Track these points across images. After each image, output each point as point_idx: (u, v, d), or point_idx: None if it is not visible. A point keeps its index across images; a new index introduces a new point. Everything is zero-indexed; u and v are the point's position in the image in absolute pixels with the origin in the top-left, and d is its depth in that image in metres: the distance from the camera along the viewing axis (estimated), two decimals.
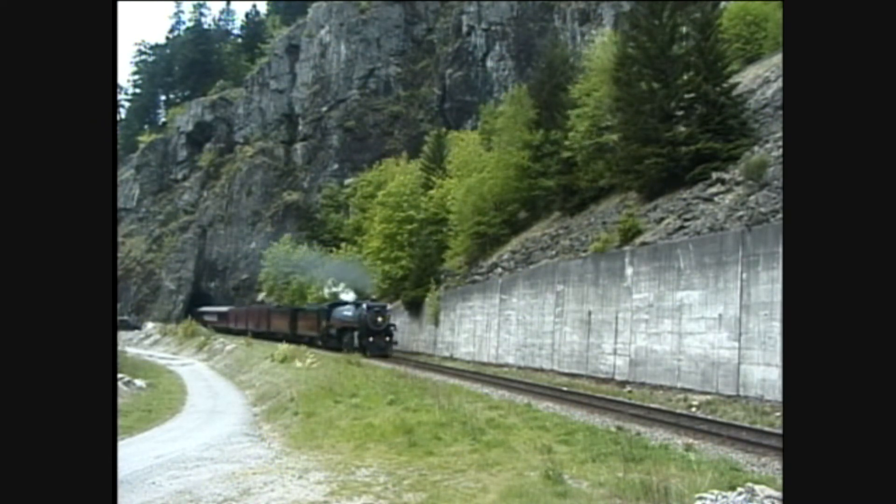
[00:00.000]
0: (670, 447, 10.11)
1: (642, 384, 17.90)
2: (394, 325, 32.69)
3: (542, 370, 22.75)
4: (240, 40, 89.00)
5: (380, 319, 31.32)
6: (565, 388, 18.10)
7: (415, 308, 36.16)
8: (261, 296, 56.04)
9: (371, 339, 30.71)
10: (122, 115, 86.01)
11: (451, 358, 30.07)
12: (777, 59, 26.28)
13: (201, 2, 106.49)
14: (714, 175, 21.70)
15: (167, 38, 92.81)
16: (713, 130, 22.38)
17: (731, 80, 23.91)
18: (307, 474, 8.70)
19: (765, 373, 14.28)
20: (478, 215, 33.02)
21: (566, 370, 21.53)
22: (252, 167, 64.56)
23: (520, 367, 24.12)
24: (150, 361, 32.30)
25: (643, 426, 12.29)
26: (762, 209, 17.87)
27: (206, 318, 55.64)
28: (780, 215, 16.62)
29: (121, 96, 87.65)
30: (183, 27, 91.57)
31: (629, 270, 19.36)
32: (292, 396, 15.81)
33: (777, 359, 13.83)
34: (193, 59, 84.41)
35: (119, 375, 18.14)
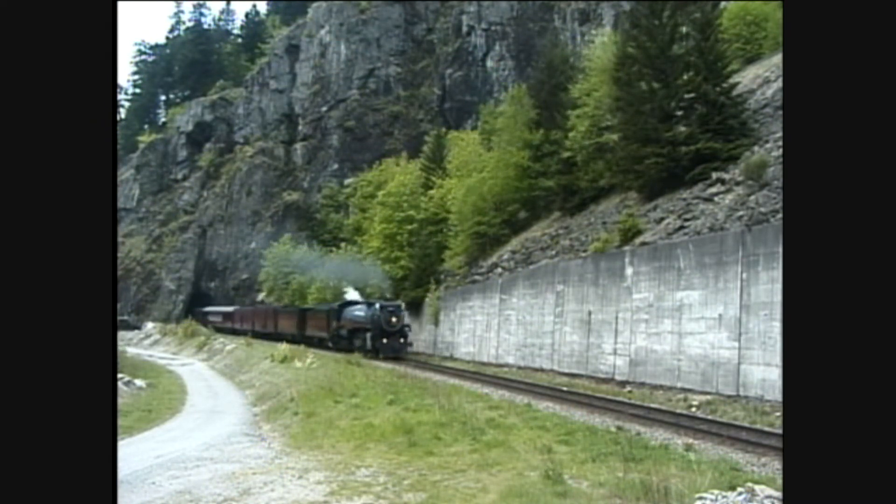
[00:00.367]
0: (670, 447, 10.11)
1: (642, 384, 17.90)
2: (408, 326, 31.27)
3: (542, 370, 22.74)
4: (240, 40, 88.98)
5: (394, 320, 29.69)
6: (565, 388, 18.09)
7: (415, 308, 36.15)
8: (261, 296, 55.95)
9: (385, 340, 29.22)
10: (122, 115, 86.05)
11: (451, 358, 30.07)
12: (777, 59, 26.28)
13: (201, 2, 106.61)
14: (714, 175, 21.70)
15: (167, 38, 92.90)
16: (713, 130, 22.38)
17: (731, 80, 23.90)
18: (307, 474, 8.70)
19: (765, 373, 14.28)
20: (478, 215, 33.01)
21: (566, 370, 21.53)
22: (252, 167, 64.55)
23: (520, 367, 24.12)
24: (150, 361, 32.31)
25: (643, 426, 12.29)
26: (762, 209, 17.87)
27: (211, 318, 54.96)
28: (780, 215, 16.62)
29: (121, 96, 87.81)
30: (183, 27, 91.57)
31: (629, 270, 19.36)
32: (292, 396, 15.81)
33: (777, 359, 13.83)
34: (193, 59, 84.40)
35: (119, 375, 18.15)
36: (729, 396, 14.99)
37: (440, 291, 33.74)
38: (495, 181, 32.88)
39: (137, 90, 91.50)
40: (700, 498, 5.82)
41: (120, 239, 60.95)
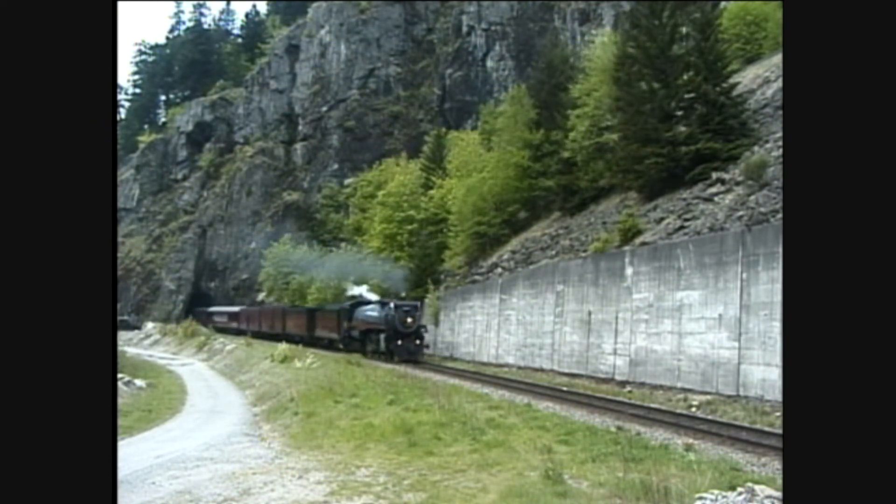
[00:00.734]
0: (670, 447, 10.10)
1: (642, 384, 17.90)
2: (424, 327, 29.32)
3: (542, 370, 22.74)
4: (240, 40, 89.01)
5: (409, 320, 27.93)
6: (565, 388, 18.09)
7: None
8: (261, 296, 55.93)
9: (399, 342, 27.51)
10: (122, 115, 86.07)
11: (451, 358, 30.05)
12: (777, 59, 26.29)
13: (201, 2, 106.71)
14: (714, 175, 21.71)
15: (167, 38, 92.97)
16: (713, 130, 22.40)
17: (731, 80, 23.92)
18: (307, 474, 8.70)
19: (765, 373, 14.28)
20: (478, 215, 33.01)
21: (566, 370, 21.53)
22: (252, 167, 64.56)
23: (520, 367, 24.11)
24: (150, 361, 32.31)
25: (643, 426, 12.28)
26: (762, 209, 17.87)
27: (216, 318, 54.08)
28: (780, 215, 16.62)
29: (121, 96, 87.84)
30: (183, 27, 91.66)
31: (629, 270, 19.36)
32: (292, 396, 15.81)
33: (777, 359, 13.82)
34: (193, 59, 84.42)
35: (119, 375, 18.14)
36: (729, 396, 14.99)
37: (440, 291, 33.73)
38: (495, 181, 32.89)
39: (137, 90, 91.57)
40: (700, 498, 5.82)
41: (120, 239, 60.95)
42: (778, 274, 14.15)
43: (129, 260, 65.04)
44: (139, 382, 21.04)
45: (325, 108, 63.88)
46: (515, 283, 25.94)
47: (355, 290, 35.79)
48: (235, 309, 53.09)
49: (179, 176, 70.92)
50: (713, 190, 21.26)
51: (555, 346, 22.53)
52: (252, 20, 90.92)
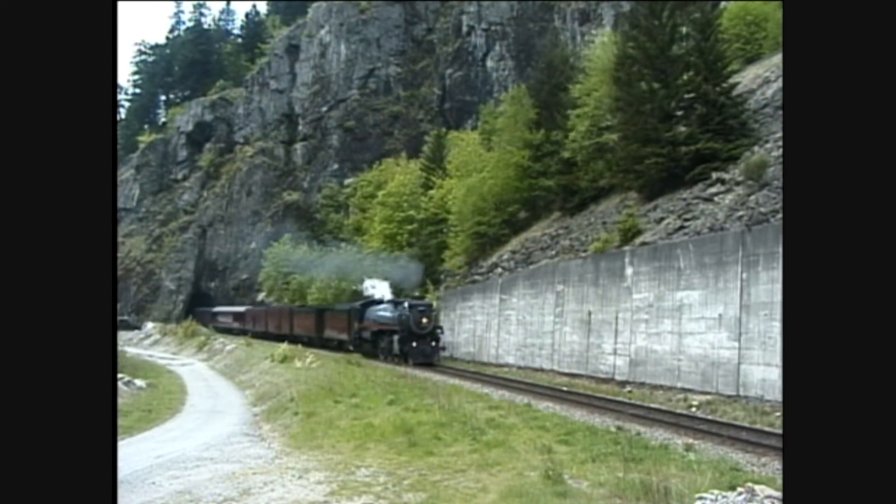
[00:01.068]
0: (670, 447, 10.11)
1: (642, 384, 17.90)
2: (441, 328, 27.63)
3: (542, 370, 22.74)
4: (240, 40, 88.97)
5: (425, 321, 26.19)
6: (565, 388, 18.09)
7: None
8: (261, 296, 55.88)
9: (414, 343, 25.80)
10: (122, 115, 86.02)
11: (451, 358, 30.05)
12: (777, 59, 26.28)
13: (201, 2, 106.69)
14: (714, 175, 21.72)
15: (167, 38, 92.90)
16: (713, 130, 22.40)
17: (731, 80, 23.92)
18: (307, 474, 8.70)
19: (765, 373, 14.28)
20: (478, 215, 33.01)
21: (566, 370, 21.53)
22: (252, 167, 64.55)
23: (520, 367, 24.11)
24: (150, 361, 32.30)
25: (643, 426, 12.28)
26: (762, 209, 17.88)
27: (220, 318, 53.22)
28: (780, 215, 16.62)
29: (121, 96, 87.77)
30: (183, 27, 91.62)
31: (629, 270, 19.36)
32: (292, 396, 15.80)
33: (777, 359, 13.83)
34: (193, 59, 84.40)
35: (119, 375, 18.14)
36: (729, 396, 15.00)
37: (440, 291, 33.70)
38: (495, 181, 32.89)
39: (137, 90, 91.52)
40: (700, 498, 5.82)
41: (120, 239, 60.92)
42: (778, 274, 14.15)
43: (129, 260, 65.03)
44: (139, 382, 21.03)
45: (325, 108, 63.88)
46: (515, 283, 25.94)
47: (369, 288, 33.65)
48: (241, 309, 51.78)
49: (179, 176, 70.91)
50: (713, 190, 21.26)
51: (555, 346, 22.53)
52: (252, 20, 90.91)
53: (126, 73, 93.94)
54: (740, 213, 18.55)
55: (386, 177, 48.51)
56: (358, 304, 32.14)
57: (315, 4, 68.97)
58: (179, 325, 50.75)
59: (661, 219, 22.23)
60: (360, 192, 54.25)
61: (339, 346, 32.42)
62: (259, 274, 55.60)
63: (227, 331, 48.18)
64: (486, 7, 60.04)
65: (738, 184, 20.37)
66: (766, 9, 30.80)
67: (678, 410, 14.34)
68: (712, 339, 15.93)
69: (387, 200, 43.01)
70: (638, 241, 21.42)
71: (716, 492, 5.96)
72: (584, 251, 24.24)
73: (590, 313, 20.84)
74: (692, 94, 22.97)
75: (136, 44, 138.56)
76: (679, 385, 16.67)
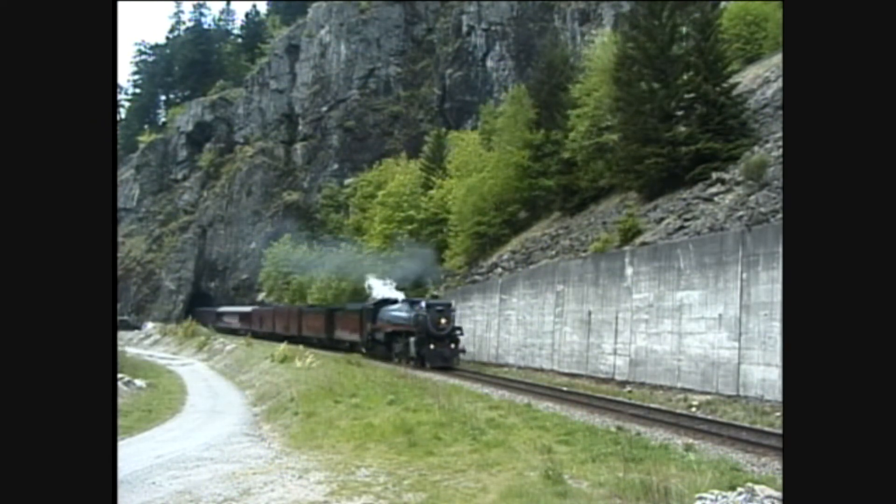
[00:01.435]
0: (670, 447, 10.10)
1: (642, 384, 17.90)
2: (460, 329, 25.62)
3: (542, 370, 22.74)
4: (240, 40, 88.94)
5: (443, 321, 24.47)
6: (565, 388, 18.09)
7: None
8: (261, 296, 55.86)
9: (432, 346, 24.16)
10: (122, 115, 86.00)
11: None
12: (777, 59, 26.29)
13: (201, 2, 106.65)
14: (714, 175, 21.73)
15: (167, 38, 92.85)
16: (713, 130, 22.42)
17: (731, 80, 23.93)
18: (307, 474, 8.70)
19: (765, 373, 14.28)
20: (478, 215, 33.02)
21: (566, 370, 21.53)
22: (252, 167, 64.56)
23: (520, 367, 24.11)
24: (150, 361, 32.29)
25: (643, 426, 12.28)
26: (762, 209, 17.88)
27: (226, 319, 52.20)
28: (780, 215, 16.62)
29: (121, 96, 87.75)
30: (183, 27, 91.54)
31: (629, 270, 19.36)
32: (292, 396, 15.80)
33: (777, 359, 13.83)
34: (193, 59, 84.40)
35: (119, 375, 18.13)
36: (729, 396, 15.00)
37: (440, 291, 33.69)
38: (495, 181, 32.90)
39: (137, 90, 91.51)
40: (700, 498, 5.82)
41: (120, 239, 60.92)
42: (778, 274, 14.15)
43: (129, 260, 65.03)
44: (139, 382, 21.01)
45: (325, 108, 63.88)
46: (515, 283, 25.94)
47: (375, 287, 31.91)
48: (247, 309, 50.02)
49: (179, 176, 70.91)
50: (713, 190, 21.27)
51: (555, 346, 22.53)
52: (252, 20, 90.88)
53: (126, 73, 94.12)
54: (740, 213, 18.56)
55: (386, 177, 48.53)
56: (370, 304, 30.43)
57: (315, 4, 68.97)
58: (179, 325, 50.62)
59: (661, 219, 22.23)
60: (360, 192, 54.26)
61: (350, 349, 31.17)
62: (259, 274, 55.56)
63: (232, 332, 47.05)
64: (486, 7, 60.04)
65: (738, 184, 20.38)
66: (766, 9, 30.82)
67: (678, 410, 14.34)
68: (712, 339, 15.93)
69: (387, 200, 43.02)
70: (638, 241, 21.42)
71: (716, 492, 5.96)
72: (584, 251, 24.25)
73: (590, 313, 20.84)
74: (692, 94, 22.99)
75: (136, 44, 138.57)
76: (679, 385, 16.67)
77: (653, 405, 14.99)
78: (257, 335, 41.14)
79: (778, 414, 12.70)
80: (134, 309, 63.07)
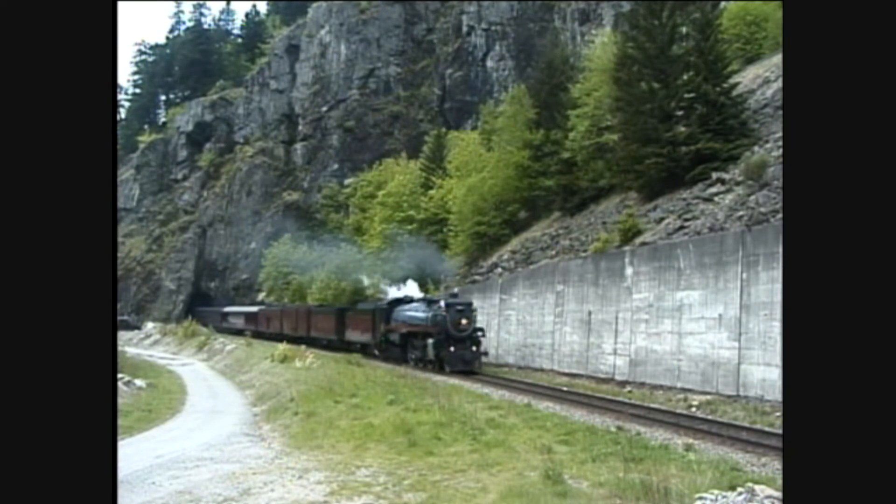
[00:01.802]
0: (670, 447, 10.11)
1: (642, 384, 17.90)
2: (482, 331, 23.87)
3: (542, 370, 22.74)
4: (240, 40, 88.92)
5: (464, 322, 22.72)
6: (565, 388, 18.09)
7: None
8: (261, 296, 55.84)
9: (452, 348, 22.45)
10: (122, 115, 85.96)
11: None
12: (777, 59, 26.28)
13: (201, 2, 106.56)
14: (714, 175, 21.72)
15: (167, 38, 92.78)
16: (713, 130, 22.41)
17: (731, 80, 23.93)
18: (307, 474, 8.70)
19: (765, 373, 14.28)
20: (478, 215, 33.02)
21: (566, 370, 21.53)
22: (252, 167, 64.56)
23: (520, 367, 24.11)
24: (150, 361, 32.28)
25: (643, 426, 12.28)
26: (762, 209, 17.88)
27: (231, 319, 51.22)
28: (780, 215, 16.62)
29: (121, 96, 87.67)
30: (183, 27, 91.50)
31: (629, 270, 19.36)
32: (292, 396, 15.81)
33: (777, 359, 13.83)
34: (193, 59, 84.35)
35: (119, 375, 18.12)
36: (729, 396, 15.00)
37: (440, 291, 33.66)
38: (495, 181, 32.90)
39: (137, 90, 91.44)
40: (700, 498, 5.82)
41: (120, 239, 60.88)
42: (778, 274, 14.15)
43: (129, 260, 65.01)
44: (139, 382, 21.00)
45: (325, 108, 63.87)
46: (515, 283, 25.94)
47: (391, 292, 30.41)
48: (253, 309, 48.30)
49: (179, 176, 70.88)
50: (713, 190, 21.27)
51: (555, 346, 22.53)
52: (252, 20, 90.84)
53: (126, 73, 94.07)
54: (740, 213, 18.55)
55: (386, 177, 48.53)
56: (384, 303, 28.86)
57: (315, 4, 68.95)
58: (179, 325, 50.55)
59: (661, 219, 22.23)
60: (360, 192, 54.25)
61: (362, 351, 29.74)
62: (259, 274, 55.52)
63: (238, 332, 45.67)
64: (486, 7, 60.02)
65: (738, 184, 20.38)
66: (766, 9, 30.79)
67: (678, 410, 14.33)
68: (712, 339, 15.93)
69: (387, 200, 43.02)
70: (638, 241, 21.42)
71: (716, 492, 5.96)
72: (584, 251, 24.24)
73: (590, 313, 20.84)
74: (692, 94, 22.98)
75: (136, 44, 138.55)
76: (679, 385, 16.67)
77: (653, 405, 14.99)
78: (263, 336, 40.10)
79: (778, 414, 12.70)
80: (134, 309, 63.05)
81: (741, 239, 15.58)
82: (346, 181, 59.79)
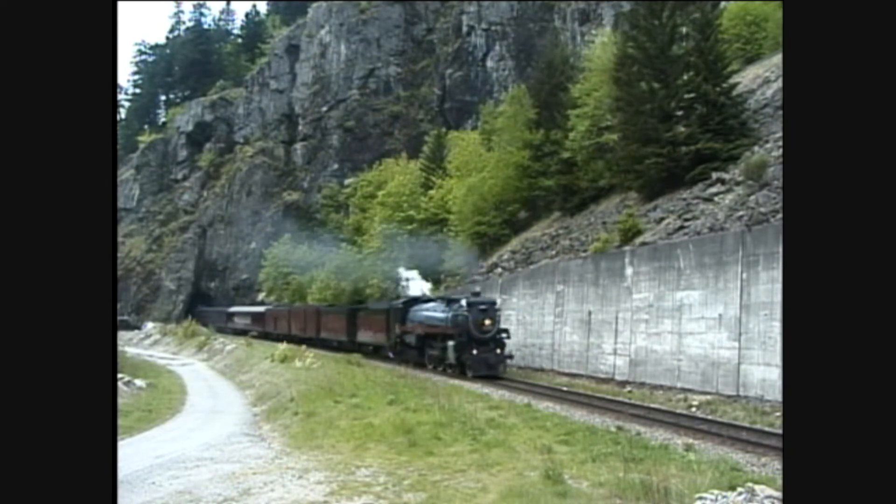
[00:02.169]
0: (670, 447, 10.11)
1: (642, 384, 17.90)
2: (506, 332, 22.04)
3: (542, 370, 22.74)
4: (240, 40, 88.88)
5: (488, 322, 20.95)
6: (565, 388, 18.09)
7: None
8: (261, 296, 55.83)
9: (475, 351, 20.63)
10: (122, 115, 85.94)
11: None
12: (777, 59, 26.28)
13: (201, 2, 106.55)
14: (714, 175, 21.73)
15: (167, 38, 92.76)
16: (713, 130, 22.42)
17: (731, 80, 23.93)
18: (307, 474, 8.70)
19: (765, 373, 14.28)
20: (478, 215, 33.02)
21: (566, 370, 21.52)
22: (252, 167, 64.57)
23: (520, 367, 24.10)
24: (150, 361, 32.28)
25: (643, 426, 12.28)
26: (762, 209, 17.87)
27: (237, 319, 50.43)
28: (780, 215, 16.62)
29: (121, 96, 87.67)
30: (183, 27, 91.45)
31: (629, 270, 19.36)
32: (292, 396, 15.81)
33: (777, 359, 13.83)
34: (193, 59, 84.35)
35: (119, 375, 18.13)
36: (729, 396, 14.99)
37: (440, 291, 33.65)
38: (495, 181, 32.90)
39: (137, 90, 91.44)
40: (700, 498, 5.82)
41: (120, 239, 60.87)
42: (778, 274, 14.15)
43: (129, 260, 65.00)
44: (139, 382, 21.00)
45: (325, 108, 63.88)
46: (515, 283, 25.94)
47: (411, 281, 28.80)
48: (260, 309, 46.69)
49: (179, 176, 70.88)
50: (713, 190, 21.27)
51: (555, 346, 22.52)
52: (252, 20, 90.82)
53: (126, 73, 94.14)
54: (740, 213, 18.55)
55: (386, 177, 48.54)
56: (399, 303, 26.99)
57: (315, 4, 68.95)
58: (179, 325, 50.52)
59: (661, 219, 22.23)
60: (360, 192, 54.25)
61: (375, 353, 28.37)
62: (259, 274, 55.50)
63: (244, 333, 44.63)
64: (486, 7, 60.01)
65: (738, 184, 20.38)
66: (766, 9, 30.79)
67: (678, 410, 14.34)
68: (712, 339, 15.93)
69: (387, 200, 43.02)
70: (638, 241, 21.42)
71: (716, 492, 5.97)
72: (584, 251, 24.24)
73: (590, 313, 20.83)
74: (692, 94, 22.98)
75: (136, 44, 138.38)
76: (679, 385, 16.67)
77: (653, 405, 15.00)
78: (271, 338, 38.95)
79: (778, 414, 12.70)
80: (134, 309, 63.06)
81: (741, 239, 15.58)
82: (346, 181, 59.79)
